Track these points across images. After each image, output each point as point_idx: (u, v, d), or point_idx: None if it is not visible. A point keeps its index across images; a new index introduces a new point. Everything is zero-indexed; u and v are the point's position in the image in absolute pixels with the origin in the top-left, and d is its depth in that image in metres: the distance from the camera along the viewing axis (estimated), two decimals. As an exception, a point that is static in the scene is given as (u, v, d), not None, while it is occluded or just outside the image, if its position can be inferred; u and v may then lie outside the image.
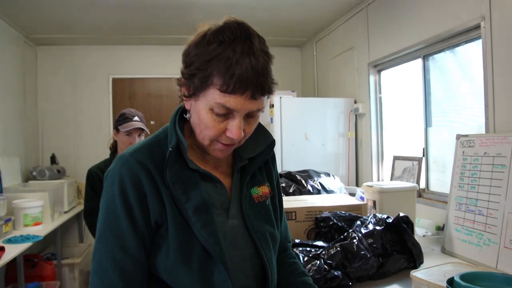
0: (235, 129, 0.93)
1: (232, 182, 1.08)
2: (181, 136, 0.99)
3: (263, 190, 1.11)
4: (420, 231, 2.40)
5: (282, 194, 2.33)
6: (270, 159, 1.18)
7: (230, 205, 1.05)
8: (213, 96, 0.90)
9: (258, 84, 0.89)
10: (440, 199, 2.67)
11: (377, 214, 1.79)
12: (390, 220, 1.75)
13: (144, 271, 0.97)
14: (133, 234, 0.94)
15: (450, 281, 1.04)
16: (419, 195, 2.83)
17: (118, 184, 0.95)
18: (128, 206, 0.95)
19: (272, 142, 1.13)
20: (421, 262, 1.75)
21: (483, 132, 2.28)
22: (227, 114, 0.93)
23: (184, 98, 1.00)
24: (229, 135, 0.95)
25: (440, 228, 2.41)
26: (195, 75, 0.92)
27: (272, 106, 3.57)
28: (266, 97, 0.94)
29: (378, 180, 3.53)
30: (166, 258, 0.95)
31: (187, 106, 1.00)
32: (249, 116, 0.96)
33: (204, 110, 0.93)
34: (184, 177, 0.99)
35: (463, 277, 1.03)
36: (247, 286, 1.03)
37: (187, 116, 1.02)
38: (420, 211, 2.57)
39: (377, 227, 1.69)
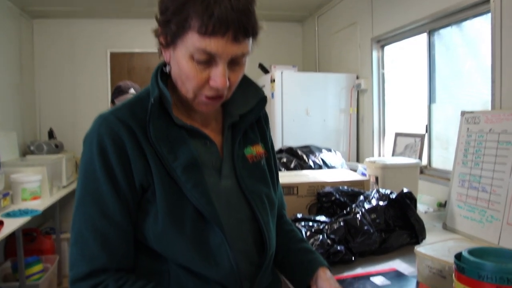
0: (218, 77, 0.85)
1: (223, 140, 1.00)
2: (164, 89, 0.91)
3: (257, 149, 1.04)
4: (422, 208, 2.39)
5: (283, 169, 2.32)
6: (262, 118, 1.10)
7: (222, 164, 0.97)
8: (192, 41, 0.82)
9: (240, 24, 0.81)
10: (442, 176, 2.65)
11: (380, 190, 1.77)
12: (393, 196, 1.72)
13: (129, 240, 0.89)
14: (115, 198, 0.86)
15: (458, 256, 1.02)
16: (421, 172, 2.81)
17: (96, 144, 0.87)
18: (109, 167, 0.86)
19: (264, 98, 1.05)
20: (424, 238, 1.73)
21: (488, 109, 2.24)
22: (209, 60, 0.84)
23: (162, 49, 0.91)
24: (212, 85, 0.86)
25: (442, 205, 2.39)
26: (171, 21, 0.84)
27: (273, 81, 3.52)
28: (250, 40, 0.86)
29: (379, 156, 3.51)
30: (155, 224, 0.88)
31: (166, 58, 0.92)
32: (234, 63, 0.87)
33: (184, 59, 0.85)
34: (170, 134, 0.91)
35: (471, 252, 1.01)
36: (246, 251, 0.96)
37: (167, 69, 0.94)
38: (422, 187, 2.55)
39: (381, 203, 1.67)
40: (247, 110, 1.02)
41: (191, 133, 0.94)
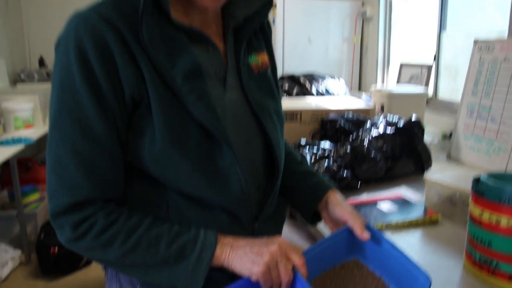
0: None
1: (225, 46, 0.85)
2: None
3: (262, 58, 0.90)
4: (426, 139, 2.32)
5: (285, 95, 2.22)
6: (266, 25, 0.95)
7: (227, 73, 0.83)
8: None
9: None
10: (449, 107, 2.57)
11: (388, 117, 1.69)
12: (401, 124, 1.65)
13: (118, 165, 0.75)
14: (100, 114, 0.71)
15: (477, 181, 0.96)
16: (426, 103, 2.72)
17: (74, 49, 0.70)
18: (91, 76, 0.70)
19: (270, 0, 0.89)
20: (429, 167, 1.68)
21: (503, 38, 2.12)
22: None
23: None
24: None
25: (447, 136, 2.34)
26: None
27: (274, 6, 3.34)
28: None
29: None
30: (152, 144, 0.73)
31: None
32: None
33: None
34: (166, 36, 0.74)
35: (491, 176, 0.95)
36: (254, 174, 0.84)
37: None
38: (427, 118, 2.48)
39: (388, 130, 1.60)
40: (252, 12, 0.87)
41: (191, 36, 0.78)
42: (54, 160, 0.72)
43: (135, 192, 0.79)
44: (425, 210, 1.27)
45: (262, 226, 0.86)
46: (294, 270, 0.72)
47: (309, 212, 0.95)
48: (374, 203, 1.31)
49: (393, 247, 0.77)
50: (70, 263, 2.78)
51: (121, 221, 0.73)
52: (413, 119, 1.66)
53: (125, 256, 0.72)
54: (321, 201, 0.93)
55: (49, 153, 0.73)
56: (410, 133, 1.63)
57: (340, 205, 0.88)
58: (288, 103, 1.89)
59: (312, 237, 1.28)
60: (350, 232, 0.81)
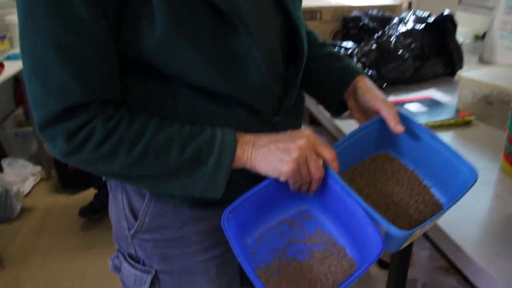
0: None
1: None
2: None
3: None
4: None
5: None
6: None
7: None
8: None
9: None
10: (483, 4, 2.34)
11: (417, 12, 1.52)
12: (431, 19, 1.49)
13: (111, 59, 0.62)
14: (85, 0, 0.56)
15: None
16: (458, 2, 2.49)
17: None
18: None
19: None
20: (460, 68, 1.54)
21: None
22: None
23: None
24: None
25: (479, 38, 2.15)
26: None
27: None
28: None
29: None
30: (151, 30, 0.59)
31: None
32: None
33: None
34: None
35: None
36: (272, 60, 0.72)
37: None
38: (458, 18, 2.28)
39: (417, 26, 1.44)
40: None
41: None
42: (33, 60, 0.58)
43: (135, 88, 0.66)
44: (457, 111, 1.16)
45: (282, 120, 0.75)
46: (324, 165, 0.64)
47: (335, 101, 0.83)
48: (401, 104, 1.20)
49: (433, 137, 0.67)
50: (88, 177, 2.80)
51: (123, 126, 0.61)
52: (445, 13, 1.50)
53: (132, 167, 0.62)
54: (349, 87, 0.81)
55: (24, 51, 0.59)
56: (442, 29, 1.48)
57: (370, 91, 0.77)
58: (306, 1, 1.73)
59: (335, 141, 1.19)
60: (382, 123, 0.71)
